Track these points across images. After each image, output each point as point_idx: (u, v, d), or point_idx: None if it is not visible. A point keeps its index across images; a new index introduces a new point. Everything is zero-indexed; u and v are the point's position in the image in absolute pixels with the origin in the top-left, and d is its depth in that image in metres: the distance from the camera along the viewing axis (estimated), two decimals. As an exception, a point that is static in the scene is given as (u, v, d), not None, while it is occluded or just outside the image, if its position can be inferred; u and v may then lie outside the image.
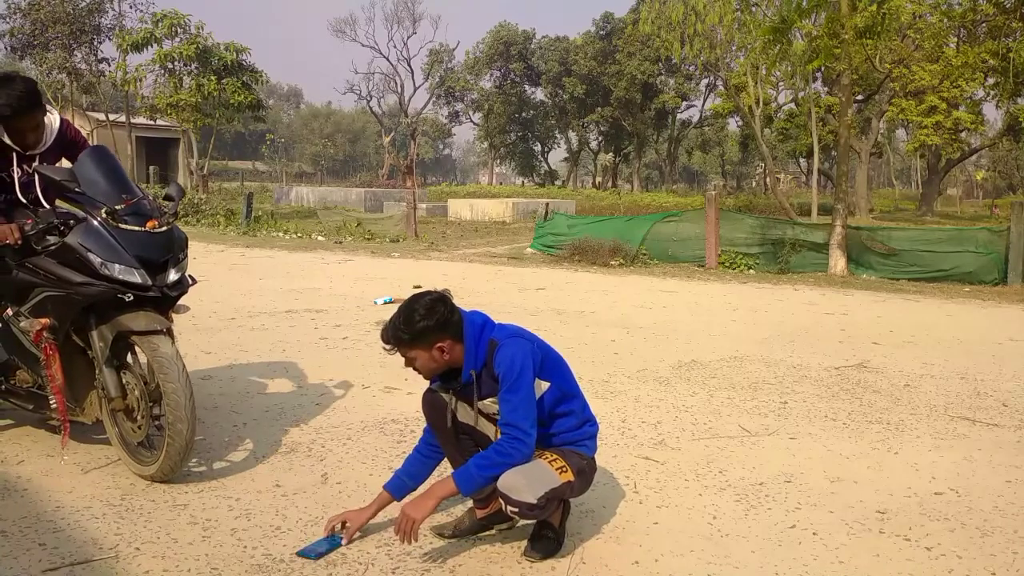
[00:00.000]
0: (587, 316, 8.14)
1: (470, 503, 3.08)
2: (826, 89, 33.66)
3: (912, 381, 5.67)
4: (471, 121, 61.42)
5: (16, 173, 3.66)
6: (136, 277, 3.32)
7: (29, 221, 3.45)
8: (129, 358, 3.57)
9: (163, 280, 3.42)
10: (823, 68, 25.00)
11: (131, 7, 33.17)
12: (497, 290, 9.95)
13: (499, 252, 15.42)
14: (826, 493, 3.54)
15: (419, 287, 9.73)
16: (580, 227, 15.13)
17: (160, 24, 28.20)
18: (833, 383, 5.55)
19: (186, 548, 2.85)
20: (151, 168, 34.27)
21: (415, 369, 2.87)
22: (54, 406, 3.49)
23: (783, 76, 25.85)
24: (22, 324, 3.50)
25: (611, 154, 58.69)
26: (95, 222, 3.35)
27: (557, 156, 68.81)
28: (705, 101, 52.78)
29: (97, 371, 3.48)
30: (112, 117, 35.73)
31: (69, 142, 3.83)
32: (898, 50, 25.82)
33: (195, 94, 27.64)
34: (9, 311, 3.69)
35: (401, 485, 2.98)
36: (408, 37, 71.19)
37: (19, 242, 3.36)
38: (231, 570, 2.70)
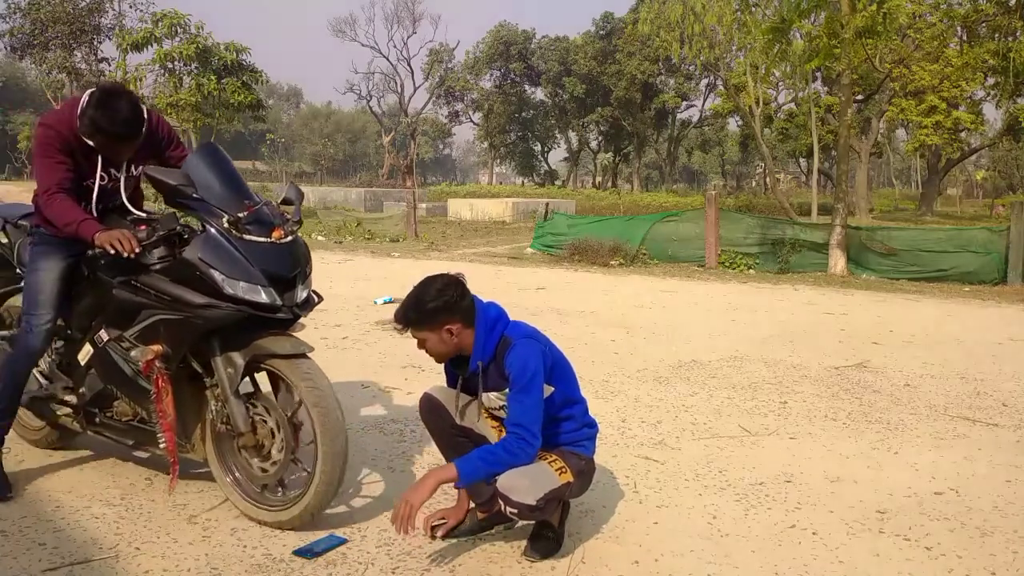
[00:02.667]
0: (587, 316, 8.14)
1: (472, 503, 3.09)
2: (826, 89, 33.67)
3: (912, 381, 5.67)
4: (471, 121, 61.45)
5: (100, 178, 3.17)
6: (263, 296, 2.88)
7: (143, 228, 2.99)
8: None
9: (292, 299, 2.98)
10: (823, 68, 24.98)
11: (131, 7, 33.16)
12: (497, 290, 9.95)
13: (499, 252, 15.42)
14: (826, 493, 3.54)
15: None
16: (580, 227, 15.14)
17: (160, 24, 28.19)
18: (833, 383, 5.55)
19: (186, 548, 2.85)
20: (151, 167, 34.18)
21: (426, 351, 2.85)
22: (163, 445, 3.04)
23: (783, 76, 25.86)
24: (132, 354, 3.00)
25: (611, 154, 58.69)
26: (216, 233, 2.90)
27: (557, 156, 68.86)
28: (705, 101, 52.83)
29: (217, 402, 3.04)
30: (112, 117, 35.65)
31: (160, 139, 3.32)
32: (898, 50, 25.82)
33: (195, 94, 27.64)
34: (103, 333, 3.20)
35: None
36: (408, 37, 71.17)
37: (136, 253, 2.88)
38: (231, 570, 2.70)
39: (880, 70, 26.58)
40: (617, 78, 48.26)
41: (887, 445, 4.23)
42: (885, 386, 5.50)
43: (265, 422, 2.98)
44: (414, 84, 58.38)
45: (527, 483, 2.69)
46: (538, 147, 61.42)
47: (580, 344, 6.67)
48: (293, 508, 2.92)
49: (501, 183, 61.93)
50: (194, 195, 2.92)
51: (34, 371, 3.43)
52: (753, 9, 18.25)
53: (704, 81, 49.97)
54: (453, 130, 68.80)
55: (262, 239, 2.92)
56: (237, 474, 3.10)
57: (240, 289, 2.83)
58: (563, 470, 2.81)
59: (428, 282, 2.81)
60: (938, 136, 30.20)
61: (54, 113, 3.17)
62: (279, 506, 2.99)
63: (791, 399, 5.10)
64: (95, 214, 3.13)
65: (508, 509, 2.71)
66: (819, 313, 8.85)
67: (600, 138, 58.19)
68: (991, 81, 24.76)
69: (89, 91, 3.05)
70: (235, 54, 28.40)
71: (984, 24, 17.14)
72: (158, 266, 2.96)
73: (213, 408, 3.05)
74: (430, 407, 2.98)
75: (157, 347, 2.94)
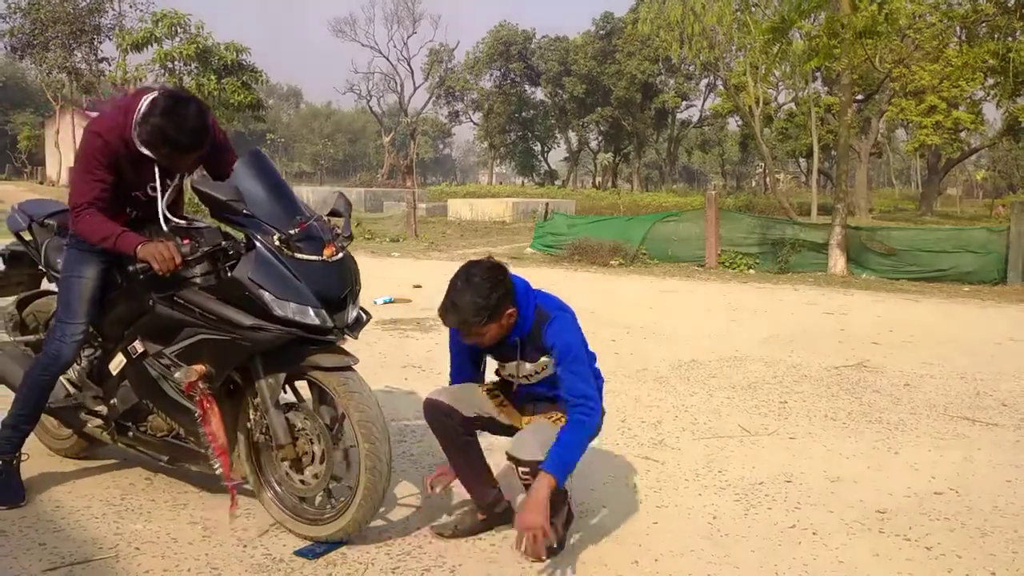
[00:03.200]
0: (587, 316, 8.11)
1: (469, 504, 3.09)
2: (826, 89, 33.69)
3: (912, 381, 5.67)
4: (471, 121, 61.50)
5: (159, 191, 2.99)
6: (313, 317, 2.73)
7: (186, 242, 2.81)
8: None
9: (343, 320, 2.83)
10: (823, 68, 25.00)
11: (131, 7, 33.26)
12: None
13: (499, 252, 15.42)
14: (826, 493, 3.54)
15: (419, 286, 9.74)
16: (580, 227, 15.15)
17: (160, 24, 28.22)
18: (833, 383, 5.55)
19: (186, 548, 2.85)
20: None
21: (480, 343, 2.80)
22: (219, 470, 2.88)
23: (783, 76, 25.87)
24: (177, 375, 2.84)
25: (611, 154, 58.71)
26: (266, 251, 2.74)
27: (557, 156, 68.89)
28: (705, 101, 52.89)
29: (256, 412, 2.92)
30: (112, 117, 35.67)
31: (216, 146, 3.09)
32: (898, 50, 25.83)
33: (195, 94, 27.64)
34: (138, 344, 3.04)
35: None
36: (408, 37, 71.09)
37: (180, 267, 2.75)
38: (231, 570, 2.70)
39: (880, 70, 26.60)
40: (617, 78, 48.29)
41: (887, 445, 4.23)
42: (885, 386, 5.50)
43: (306, 434, 2.87)
44: (414, 84, 58.47)
45: (536, 439, 2.72)
46: (538, 147, 61.43)
47: (580, 344, 6.66)
48: (337, 521, 2.82)
49: (501, 183, 61.97)
50: (245, 212, 2.76)
51: (62, 379, 3.30)
52: (753, 9, 18.26)
53: (704, 81, 50.04)
54: (453, 130, 68.97)
55: (314, 257, 2.78)
56: (276, 486, 2.99)
57: (290, 310, 2.70)
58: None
59: (478, 273, 2.68)
60: (938, 136, 30.22)
61: (104, 119, 2.94)
62: (320, 519, 2.88)
63: (791, 399, 5.10)
64: (134, 223, 3.00)
65: (520, 470, 2.71)
66: (819, 313, 8.85)
67: (600, 138, 58.22)
68: (991, 81, 24.75)
69: (150, 96, 2.84)
70: (235, 54, 28.42)
71: (984, 24, 17.14)
72: (200, 282, 2.82)
73: (252, 418, 2.95)
74: (437, 412, 2.93)
75: (201, 367, 2.80)
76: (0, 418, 3.26)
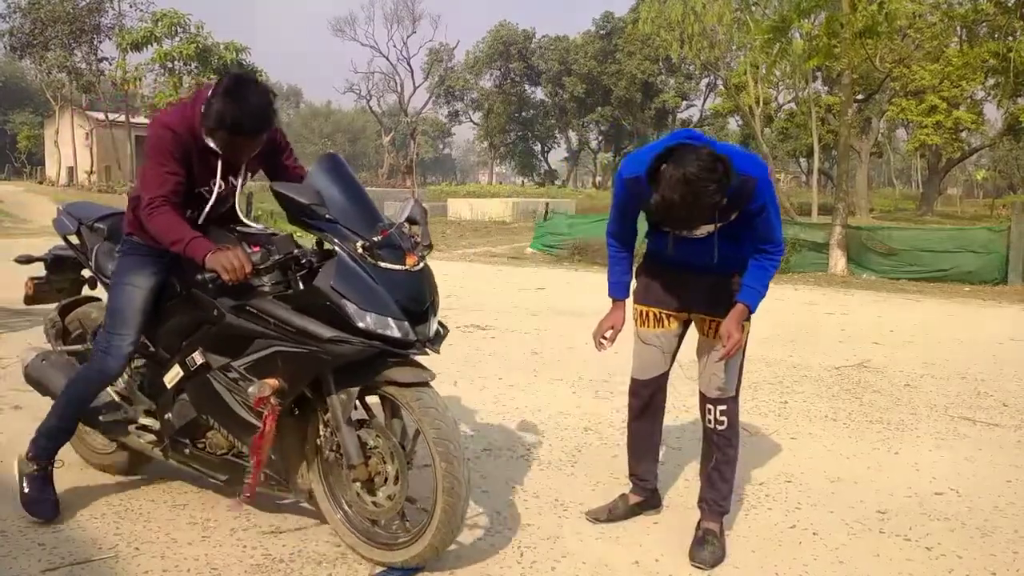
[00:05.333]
0: (587, 316, 8.12)
1: (624, 489, 3.26)
2: (826, 88, 33.68)
3: (912, 381, 5.67)
4: (471, 121, 61.50)
5: (217, 187, 2.86)
6: (395, 330, 2.57)
7: (256, 249, 2.66)
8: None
9: (425, 332, 2.67)
10: (823, 67, 24.99)
11: (131, 6, 33.25)
12: (497, 290, 9.95)
13: (499, 252, 15.42)
14: (826, 493, 3.53)
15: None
16: (580, 227, 15.14)
17: (160, 23, 28.26)
18: (833, 383, 5.55)
19: (186, 548, 2.85)
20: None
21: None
22: (247, 480, 2.83)
23: (783, 75, 25.86)
24: (251, 389, 2.67)
25: (611, 154, 58.71)
26: (349, 259, 2.60)
27: (557, 156, 68.85)
28: (705, 101, 52.86)
29: (327, 428, 2.78)
30: (112, 116, 35.74)
31: (276, 144, 2.99)
32: (898, 50, 25.82)
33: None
34: (198, 356, 2.88)
35: (625, 286, 3.15)
36: (408, 36, 71.12)
37: (249, 277, 2.59)
38: (231, 570, 2.70)
39: (880, 70, 26.58)
40: (617, 78, 48.30)
41: (887, 445, 4.23)
42: (885, 386, 5.50)
43: (379, 453, 2.70)
44: (414, 84, 58.46)
45: (729, 376, 2.99)
46: (538, 147, 61.42)
47: (580, 344, 6.66)
48: (412, 546, 2.66)
49: (501, 183, 61.98)
50: (327, 216, 2.63)
51: (110, 390, 3.19)
52: (753, 8, 18.26)
53: (704, 81, 50.03)
54: (453, 130, 68.96)
55: (397, 267, 2.63)
56: (346, 508, 2.84)
57: (372, 323, 2.54)
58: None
59: (703, 174, 2.46)
60: (938, 136, 30.21)
61: (172, 112, 2.83)
62: (394, 544, 2.72)
63: (791, 399, 5.10)
64: (200, 225, 2.87)
65: (717, 408, 2.99)
66: (819, 313, 8.85)
67: (600, 138, 58.23)
68: (991, 81, 24.75)
69: (213, 82, 2.76)
70: (235, 54, 28.46)
71: (984, 24, 17.15)
72: (269, 291, 2.66)
73: (322, 434, 2.80)
74: (643, 389, 3.14)
75: (274, 382, 2.64)
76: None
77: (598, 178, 62.10)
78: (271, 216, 15.27)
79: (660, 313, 3.07)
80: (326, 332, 2.55)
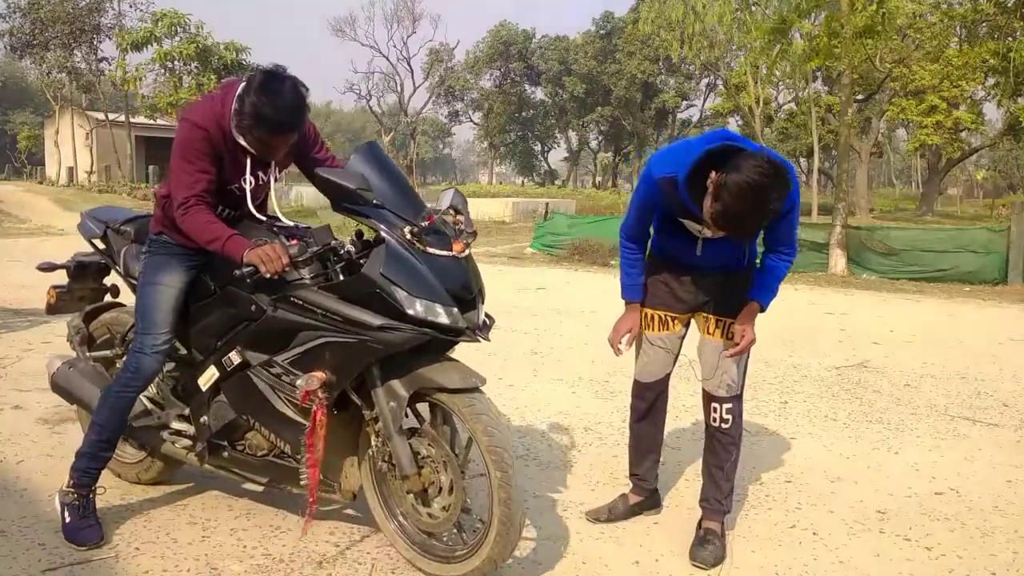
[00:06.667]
0: (587, 316, 8.14)
1: (623, 489, 3.29)
2: (826, 88, 33.68)
3: (912, 381, 5.67)
4: (471, 121, 61.48)
5: (248, 183, 2.79)
6: (444, 317, 2.51)
7: (294, 242, 2.63)
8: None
9: (474, 320, 2.61)
10: (823, 67, 24.99)
11: (131, 6, 33.23)
12: (497, 290, 9.93)
13: (499, 252, 15.43)
14: (826, 493, 3.54)
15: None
16: (580, 227, 15.15)
17: (160, 23, 28.26)
18: (833, 383, 5.55)
19: (186, 548, 2.85)
20: (151, 168, 34.31)
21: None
22: (304, 482, 2.70)
23: (783, 75, 25.87)
24: (299, 383, 2.58)
25: (611, 154, 58.72)
26: (398, 245, 2.53)
27: (557, 156, 68.86)
28: (705, 101, 52.84)
29: (378, 437, 2.69)
30: (112, 116, 35.74)
31: (306, 137, 2.90)
32: (898, 50, 25.83)
33: (195, 93, 27.66)
34: (235, 355, 2.80)
35: (641, 288, 3.10)
36: (408, 36, 70.95)
37: (287, 269, 2.54)
38: (231, 570, 2.70)
39: (880, 70, 26.61)
40: (617, 78, 48.29)
41: (887, 445, 4.23)
42: (885, 386, 5.50)
43: (432, 462, 2.62)
44: (414, 84, 58.38)
45: (738, 373, 2.98)
46: (538, 147, 61.42)
47: (580, 344, 6.67)
48: (470, 559, 2.57)
49: (501, 183, 61.97)
50: (375, 202, 2.57)
51: (141, 397, 3.08)
52: (753, 8, 18.26)
53: (704, 81, 50.03)
54: (453, 130, 68.93)
55: (445, 252, 2.57)
56: (402, 520, 2.77)
57: (422, 309, 2.47)
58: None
59: (768, 182, 2.45)
60: (938, 136, 30.22)
61: (200, 108, 2.74)
62: (452, 557, 2.65)
63: (791, 399, 5.10)
64: (233, 221, 2.80)
65: (724, 407, 2.97)
66: (819, 313, 8.85)
67: (600, 138, 58.23)
68: (991, 81, 24.75)
69: (245, 78, 2.67)
70: (235, 53, 28.45)
71: (984, 24, 17.15)
72: (310, 283, 2.60)
73: (373, 444, 2.71)
74: (646, 391, 3.14)
75: (321, 374, 2.57)
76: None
77: (598, 178, 62.09)
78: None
79: (666, 315, 3.07)
80: (376, 320, 2.48)
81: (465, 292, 2.58)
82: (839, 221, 12.90)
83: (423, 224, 2.57)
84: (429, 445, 2.62)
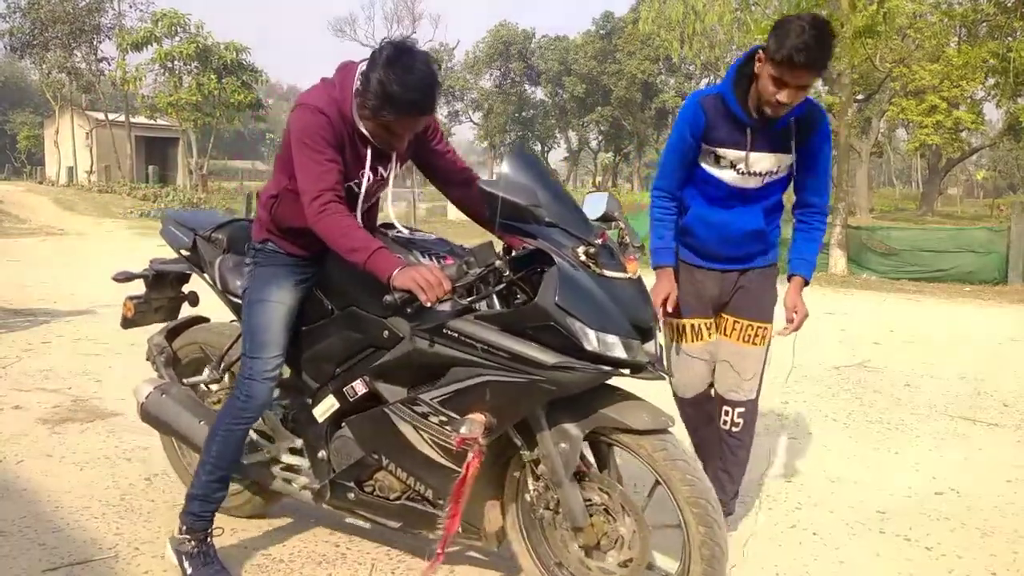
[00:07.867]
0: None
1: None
2: (826, 88, 33.65)
3: (913, 381, 5.67)
4: (471, 121, 61.45)
5: (366, 179, 2.43)
6: (625, 351, 2.14)
7: (449, 261, 2.32)
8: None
9: (652, 351, 2.24)
10: (823, 67, 24.89)
11: (131, 6, 33.23)
12: (497, 290, 9.93)
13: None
14: (826, 493, 3.53)
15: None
16: (580, 227, 15.12)
17: (160, 23, 28.25)
18: (833, 383, 5.55)
19: (186, 548, 2.84)
20: (151, 168, 34.31)
21: (789, 102, 2.59)
22: (440, 529, 2.41)
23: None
24: (461, 429, 2.22)
25: (611, 154, 58.72)
26: (571, 268, 2.16)
27: (557, 156, 68.83)
28: (705, 101, 52.72)
29: (539, 481, 2.35)
30: (112, 116, 35.73)
31: (426, 134, 2.56)
32: (898, 50, 25.81)
33: (195, 93, 27.69)
34: (359, 384, 2.47)
35: (673, 252, 2.99)
36: (408, 36, 71.00)
37: (449, 295, 2.14)
38: (231, 570, 2.69)
39: (880, 70, 26.57)
40: (617, 78, 48.27)
41: (887, 445, 4.23)
42: (885, 386, 5.50)
43: (604, 510, 2.27)
44: (414, 84, 58.36)
45: (755, 374, 2.98)
46: (538, 147, 61.38)
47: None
48: None
49: (501, 183, 61.82)
50: (547, 220, 2.23)
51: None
52: (753, 8, 18.25)
53: (704, 81, 49.90)
54: (453, 130, 68.79)
55: (620, 275, 2.21)
56: (560, 572, 2.42)
57: (602, 343, 2.11)
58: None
59: (820, 29, 2.46)
60: (939, 136, 30.18)
61: (317, 93, 2.38)
62: None
63: (791, 399, 5.10)
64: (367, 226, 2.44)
65: (736, 410, 2.97)
66: (820, 313, 8.84)
67: (600, 138, 58.21)
68: (991, 81, 24.74)
69: (368, 56, 2.30)
70: (235, 53, 28.45)
71: (984, 24, 17.15)
72: (462, 310, 2.23)
73: (532, 489, 2.36)
74: (697, 408, 3.06)
75: (482, 417, 2.21)
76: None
77: (598, 178, 62.08)
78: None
79: (698, 324, 3.00)
80: (550, 358, 2.11)
81: (644, 320, 2.22)
82: (839, 221, 12.89)
83: (597, 243, 2.22)
84: (600, 490, 2.29)
